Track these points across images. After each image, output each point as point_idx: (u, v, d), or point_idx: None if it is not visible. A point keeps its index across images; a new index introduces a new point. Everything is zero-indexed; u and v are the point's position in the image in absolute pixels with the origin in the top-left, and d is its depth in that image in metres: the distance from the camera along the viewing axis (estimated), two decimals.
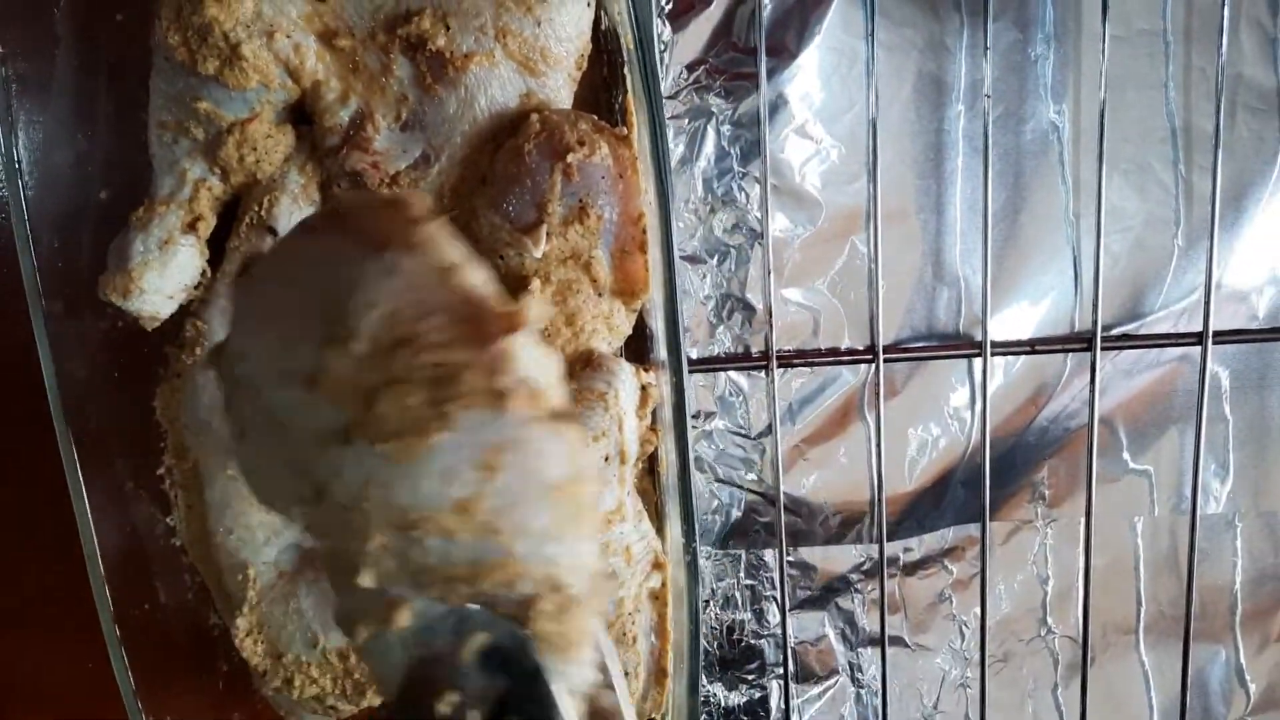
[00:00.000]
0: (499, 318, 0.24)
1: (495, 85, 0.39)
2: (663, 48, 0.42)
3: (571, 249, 0.39)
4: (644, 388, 0.42)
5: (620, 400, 0.41)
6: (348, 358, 0.25)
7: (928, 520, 0.48)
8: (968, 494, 0.47)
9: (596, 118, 0.41)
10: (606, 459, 0.41)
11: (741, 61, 0.42)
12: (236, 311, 0.29)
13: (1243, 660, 0.49)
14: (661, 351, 0.41)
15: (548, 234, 0.39)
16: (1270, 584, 0.48)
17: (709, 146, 0.43)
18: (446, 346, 0.24)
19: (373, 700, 0.43)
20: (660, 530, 0.43)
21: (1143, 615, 0.49)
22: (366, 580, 0.26)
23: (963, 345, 0.45)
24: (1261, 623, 0.49)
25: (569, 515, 0.25)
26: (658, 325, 0.40)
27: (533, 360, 0.24)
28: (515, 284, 0.40)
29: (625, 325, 0.42)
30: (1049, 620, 0.49)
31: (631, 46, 0.37)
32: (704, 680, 0.49)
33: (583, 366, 0.41)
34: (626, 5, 0.36)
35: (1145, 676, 0.49)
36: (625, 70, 0.39)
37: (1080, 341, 0.44)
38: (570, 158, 0.38)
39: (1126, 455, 0.47)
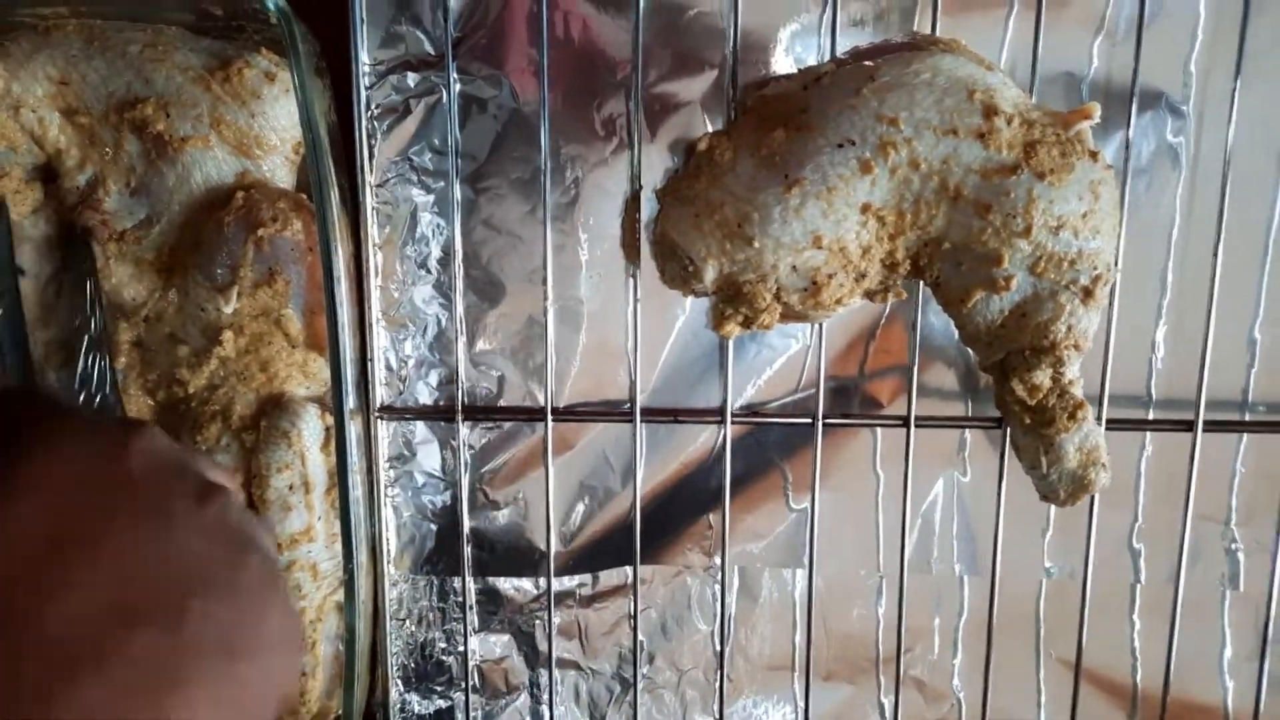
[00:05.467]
0: (1066, 115, 0.44)
1: (210, 164, 0.47)
2: (372, 143, 0.50)
3: (262, 307, 0.47)
4: (328, 429, 0.49)
5: (304, 438, 0.48)
6: (1004, 128, 0.43)
7: (601, 559, 0.55)
8: (639, 538, 0.54)
9: (304, 197, 0.48)
10: (291, 488, 0.48)
11: (438, 161, 0.50)
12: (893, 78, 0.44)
13: (882, 699, 0.57)
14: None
15: (238, 294, 0.46)
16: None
17: (412, 230, 0.51)
18: (1052, 125, 0.43)
19: None
20: None
21: (795, 657, 0.57)
22: (1007, 262, 0.43)
23: (617, 412, 0.52)
24: (890, 666, 0.56)
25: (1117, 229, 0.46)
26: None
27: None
28: (213, 332, 0.47)
29: (326, 373, 0.50)
30: (703, 654, 0.56)
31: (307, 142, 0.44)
32: (400, 688, 0.56)
33: (273, 407, 0.48)
34: (300, 106, 0.43)
35: (795, 710, 0.57)
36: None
37: (718, 414, 0.52)
38: (262, 231, 0.46)
39: (791, 504, 0.55)
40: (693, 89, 0.49)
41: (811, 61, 0.49)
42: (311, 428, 0.48)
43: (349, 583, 0.47)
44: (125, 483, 0.27)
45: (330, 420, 0.49)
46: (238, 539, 0.28)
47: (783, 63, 0.49)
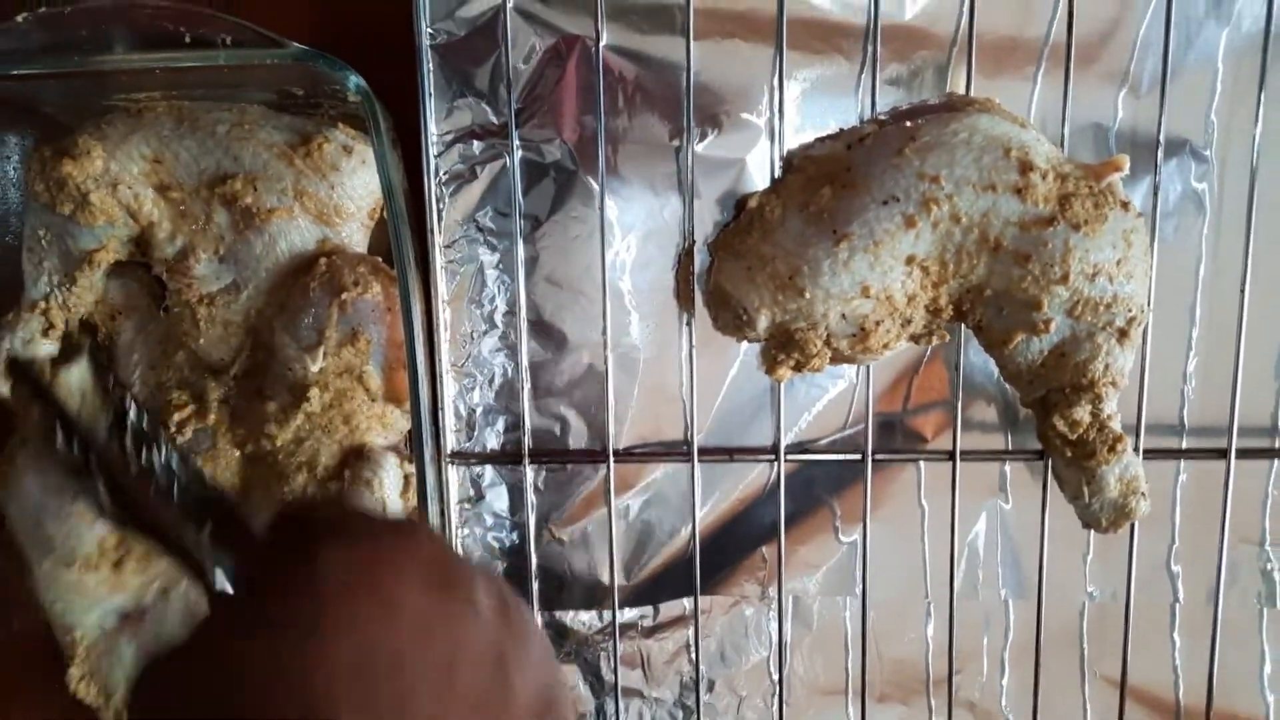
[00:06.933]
0: (1098, 167, 0.46)
1: (294, 233, 0.50)
2: (441, 207, 0.53)
3: (346, 365, 0.50)
4: (406, 476, 0.52)
5: (384, 486, 0.51)
6: (1040, 183, 0.45)
7: (661, 591, 0.58)
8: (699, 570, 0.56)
9: (380, 260, 0.52)
10: None
11: (502, 222, 0.53)
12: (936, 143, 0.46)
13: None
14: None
15: (324, 354, 0.49)
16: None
17: (479, 287, 0.54)
18: (1084, 178, 0.45)
19: None
20: None
21: (849, 681, 0.59)
22: (1046, 307, 0.46)
23: (675, 452, 0.55)
24: (941, 688, 0.59)
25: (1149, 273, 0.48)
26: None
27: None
28: (299, 389, 0.50)
29: (401, 423, 0.53)
30: (760, 680, 0.59)
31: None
32: None
33: (355, 458, 0.51)
34: (382, 177, 0.46)
35: None
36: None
37: (771, 452, 0.55)
38: (345, 295, 0.49)
39: (841, 537, 0.58)
40: (737, 147, 0.52)
41: (816, 116, 0.52)
42: (392, 476, 0.51)
43: None
44: (441, 591, 0.29)
45: (408, 468, 0.52)
46: (523, 611, 0.31)
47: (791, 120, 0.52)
